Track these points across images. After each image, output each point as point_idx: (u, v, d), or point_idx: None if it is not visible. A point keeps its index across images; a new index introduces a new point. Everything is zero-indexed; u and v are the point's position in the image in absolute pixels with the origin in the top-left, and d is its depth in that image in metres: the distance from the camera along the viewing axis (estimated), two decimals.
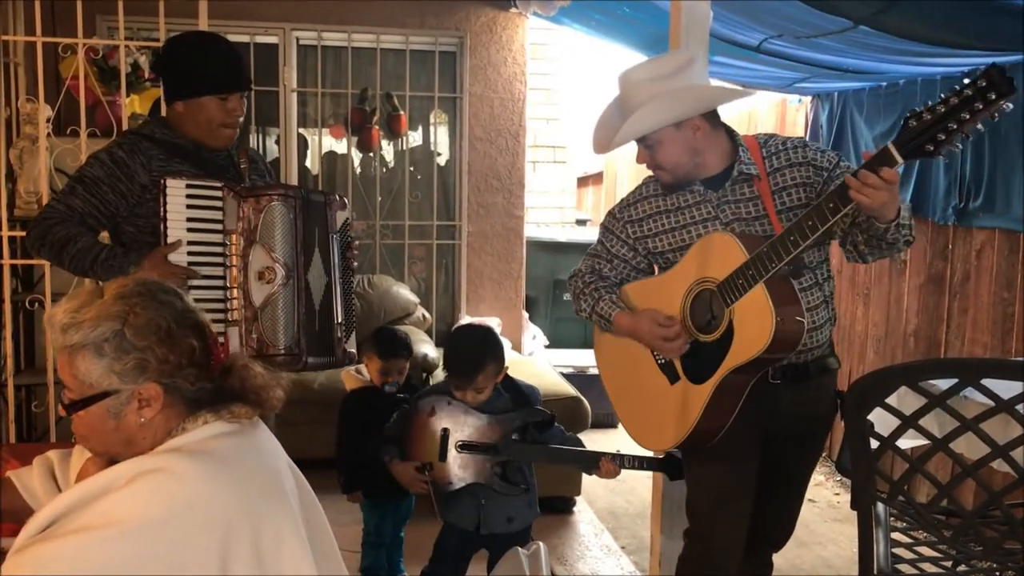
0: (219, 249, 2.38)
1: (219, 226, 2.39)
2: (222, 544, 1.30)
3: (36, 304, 3.66)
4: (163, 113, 2.71)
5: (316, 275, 2.47)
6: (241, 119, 2.51)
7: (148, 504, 1.28)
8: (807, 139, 4.99)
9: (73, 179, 2.46)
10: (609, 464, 2.54)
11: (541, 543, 1.51)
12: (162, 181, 2.35)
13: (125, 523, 1.26)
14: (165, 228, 2.35)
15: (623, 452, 2.58)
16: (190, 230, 2.36)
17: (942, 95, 1.82)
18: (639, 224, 2.35)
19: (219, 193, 2.40)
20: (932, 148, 1.82)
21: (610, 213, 2.43)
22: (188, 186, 2.37)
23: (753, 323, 2.07)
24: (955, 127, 1.79)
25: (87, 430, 1.41)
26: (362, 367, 3.11)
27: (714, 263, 2.16)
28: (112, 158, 2.43)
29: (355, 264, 2.67)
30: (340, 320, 2.55)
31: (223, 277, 2.38)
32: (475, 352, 2.58)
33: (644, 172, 2.38)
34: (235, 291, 2.37)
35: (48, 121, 3.66)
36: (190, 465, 1.33)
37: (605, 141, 2.29)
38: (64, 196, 2.43)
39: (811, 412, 2.31)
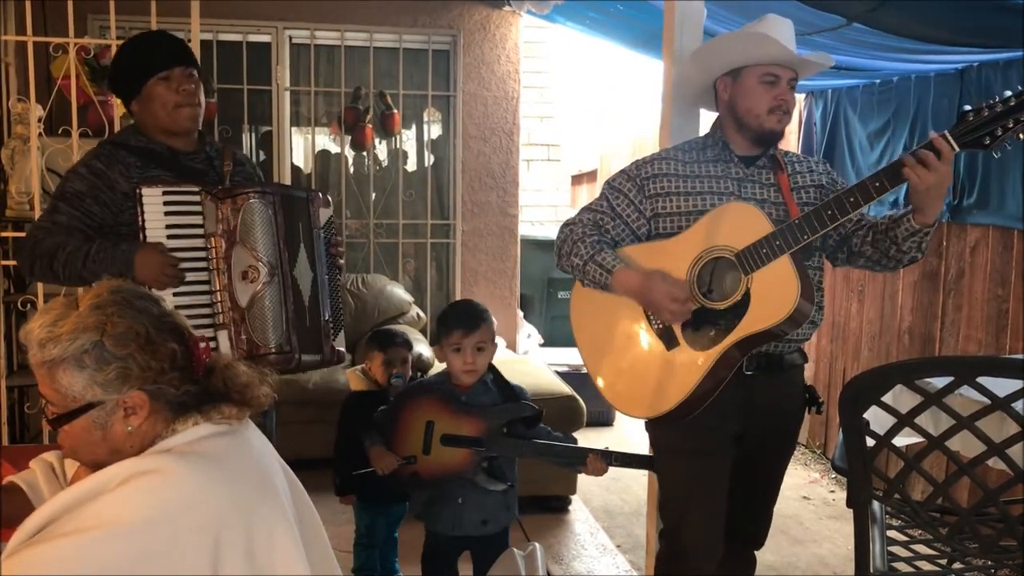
0: (202, 254, 2.36)
1: (200, 230, 2.36)
2: (214, 544, 1.30)
3: (28, 305, 3.65)
4: None
5: (303, 271, 2.45)
6: (197, 97, 2.45)
7: (140, 505, 1.28)
8: (801, 138, 5.01)
9: (55, 197, 2.42)
10: (597, 461, 2.51)
11: (537, 544, 1.50)
12: (138, 190, 2.33)
13: (118, 524, 1.26)
14: (144, 237, 2.32)
15: (611, 449, 2.55)
16: (170, 237, 2.34)
17: (996, 96, 1.95)
18: (653, 181, 2.29)
19: (197, 197, 2.37)
20: (989, 141, 1.95)
21: (623, 172, 2.36)
22: (165, 192, 2.34)
23: (775, 293, 2.07)
24: (1012, 125, 1.93)
25: (74, 443, 1.40)
26: (367, 369, 3.10)
27: (732, 232, 2.14)
28: (91, 170, 2.39)
29: (341, 262, 2.66)
30: (328, 318, 2.52)
31: (208, 281, 2.35)
32: (476, 307, 2.62)
33: None
34: (221, 294, 2.34)
35: (39, 121, 3.64)
36: (182, 466, 1.33)
37: (788, 47, 2.23)
38: (48, 214, 2.40)
39: (782, 406, 2.32)
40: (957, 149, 1.98)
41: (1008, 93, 1.94)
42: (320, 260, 2.52)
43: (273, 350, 2.34)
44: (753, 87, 2.23)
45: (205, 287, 2.35)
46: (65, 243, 2.32)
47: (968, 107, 1.98)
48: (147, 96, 2.41)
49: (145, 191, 2.33)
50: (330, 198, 2.64)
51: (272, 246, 2.37)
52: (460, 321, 2.56)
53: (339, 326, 2.60)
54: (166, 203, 2.34)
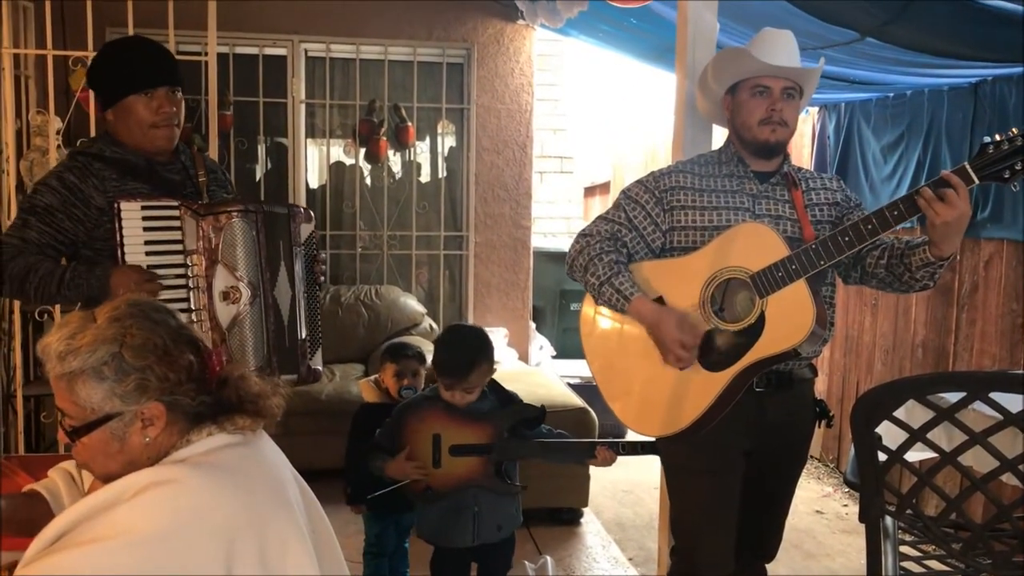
0: (181, 271, 2.29)
1: (179, 247, 2.29)
2: (228, 553, 1.31)
3: (45, 315, 3.68)
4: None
5: (282, 291, 2.39)
6: (177, 118, 2.38)
7: (155, 514, 1.29)
8: (815, 152, 5.01)
9: (24, 210, 2.31)
10: (605, 451, 2.51)
11: (548, 556, 1.51)
12: (116, 205, 2.25)
13: (133, 533, 1.27)
14: (123, 254, 2.24)
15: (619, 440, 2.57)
16: (148, 253, 2.26)
17: (1016, 128, 1.95)
18: (671, 193, 2.28)
19: (176, 212, 2.30)
20: (1008, 175, 1.95)
21: (640, 183, 2.34)
22: (144, 207, 2.27)
23: (791, 317, 2.08)
24: None
25: (90, 455, 1.41)
26: (380, 380, 3.12)
27: (746, 252, 2.14)
28: (63, 184, 2.29)
29: (322, 279, 2.58)
30: (304, 337, 2.45)
31: (187, 299, 2.27)
32: (468, 351, 2.54)
33: None
34: (201, 313, 2.27)
35: (58, 133, 3.69)
36: (196, 476, 1.34)
37: (792, 55, 2.28)
38: (17, 230, 2.29)
39: (793, 421, 2.32)
40: (977, 182, 1.97)
41: None
42: (298, 278, 2.46)
43: (254, 372, 2.32)
44: (746, 100, 2.27)
45: (184, 305, 2.27)
46: (37, 265, 2.24)
47: (988, 139, 1.97)
48: (124, 109, 2.33)
49: (124, 206, 2.25)
50: (312, 213, 2.58)
51: (254, 267, 2.32)
52: (448, 369, 2.53)
53: (316, 344, 2.53)
54: (145, 218, 2.27)
